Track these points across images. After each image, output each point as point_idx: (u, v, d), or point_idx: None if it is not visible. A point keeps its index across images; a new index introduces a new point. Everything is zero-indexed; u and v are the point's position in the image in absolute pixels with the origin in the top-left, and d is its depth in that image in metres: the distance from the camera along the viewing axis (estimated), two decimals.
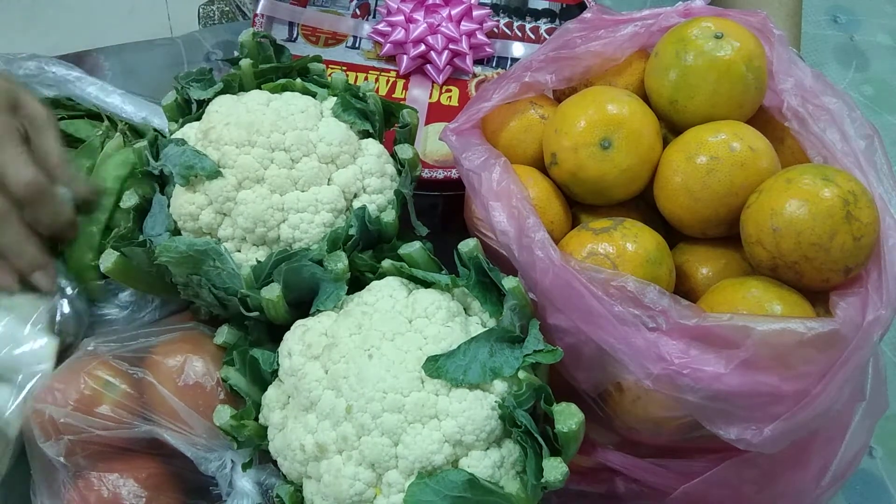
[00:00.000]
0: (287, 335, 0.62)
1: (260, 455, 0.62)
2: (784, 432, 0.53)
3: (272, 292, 0.61)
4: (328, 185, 0.66)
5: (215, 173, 0.63)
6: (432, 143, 0.86)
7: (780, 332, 0.51)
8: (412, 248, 0.62)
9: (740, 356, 0.52)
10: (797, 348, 0.51)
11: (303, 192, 0.65)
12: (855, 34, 1.15)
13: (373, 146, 0.69)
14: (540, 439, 0.53)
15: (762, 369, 0.52)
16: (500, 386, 0.56)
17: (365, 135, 0.71)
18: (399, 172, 0.71)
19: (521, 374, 0.56)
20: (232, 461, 0.62)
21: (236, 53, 0.75)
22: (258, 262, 0.63)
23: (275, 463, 0.61)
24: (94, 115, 0.85)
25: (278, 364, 0.62)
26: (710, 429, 0.54)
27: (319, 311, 0.62)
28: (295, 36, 0.93)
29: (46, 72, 0.82)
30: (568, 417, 0.53)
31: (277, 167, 0.64)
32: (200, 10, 1.21)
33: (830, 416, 0.54)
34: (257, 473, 0.62)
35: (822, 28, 1.07)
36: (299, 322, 0.62)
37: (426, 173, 0.82)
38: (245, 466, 0.61)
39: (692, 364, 0.53)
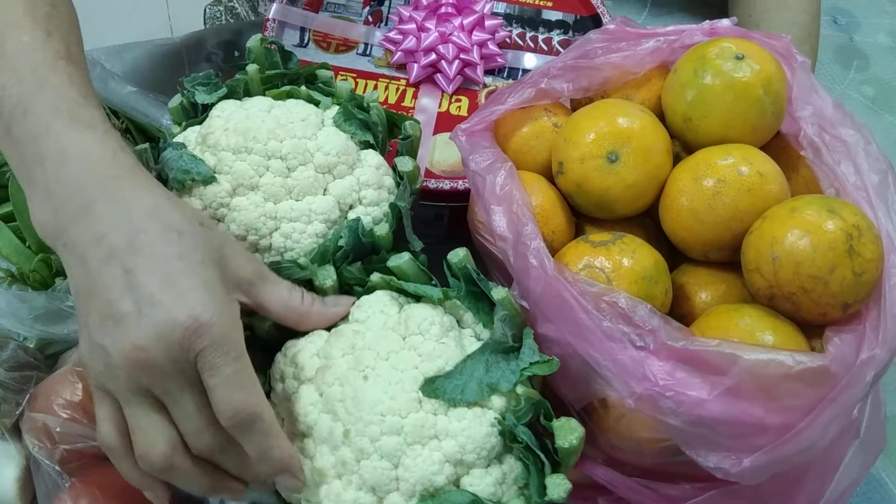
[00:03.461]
0: (277, 357, 0.61)
1: None
2: (764, 465, 0.52)
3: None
4: (323, 195, 0.65)
5: (210, 179, 0.63)
6: (440, 152, 0.86)
7: (766, 363, 0.50)
8: (401, 261, 0.60)
9: (725, 383, 0.51)
10: (783, 381, 0.50)
11: (297, 201, 0.64)
12: (855, 35, 1.14)
13: (372, 157, 0.69)
14: (542, 456, 0.53)
15: (746, 399, 0.51)
16: (498, 401, 0.55)
17: (366, 146, 0.70)
18: (398, 185, 0.70)
19: (520, 389, 0.55)
20: None
21: (237, 54, 0.75)
22: None
23: None
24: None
25: (270, 387, 0.61)
26: (689, 454, 0.53)
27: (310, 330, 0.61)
28: (306, 41, 0.93)
29: None
30: (568, 433, 0.53)
31: (273, 175, 0.64)
32: (207, 9, 1.21)
33: (816, 452, 0.53)
34: (251, 493, 0.61)
35: (822, 28, 1.06)
36: (289, 343, 0.61)
37: (432, 184, 0.81)
38: None
39: (676, 387, 0.52)
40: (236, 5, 1.18)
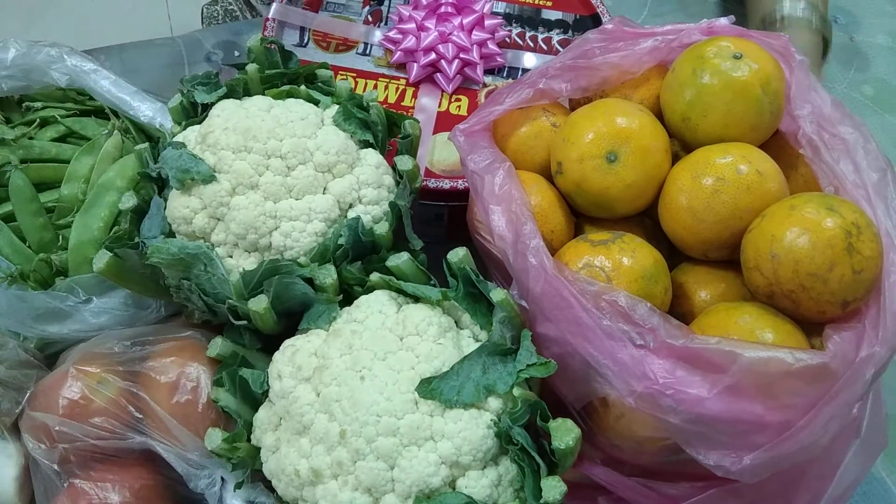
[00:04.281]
0: (276, 356, 0.61)
1: (251, 472, 0.62)
2: (764, 463, 0.52)
3: (259, 304, 0.60)
4: (323, 194, 0.66)
5: (210, 178, 0.63)
6: (440, 152, 0.86)
7: (766, 361, 0.50)
8: (400, 260, 0.61)
9: (725, 381, 0.51)
10: (783, 379, 0.50)
11: (297, 200, 0.64)
12: (855, 34, 1.16)
13: (372, 156, 0.69)
14: (537, 458, 0.53)
15: (746, 397, 0.51)
16: (494, 403, 0.55)
17: (365, 145, 0.70)
18: (397, 184, 0.70)
19: (516, 391, 0.55)
20: (222, 479, 0.62)
21: (237, 54, 0.75)
22: (243, 270, 0.62)
23: (264, 481, 0.60)
24: (102, 114, 0.86)
25: (268, 384, 0.61)
26: (689, 452, 0.53)
27: (309, 329, 0.62)
28: (306, 41, 0.93)
29: (65, 60, 0.83)
30: (564, 434, 0.53)
31: (272, 174, 0.64)
32: (204, 9, 1.20)
33: (816, 451, 0.53)
34: (248, 492, 0.61)
35: None
36: (288, 342, 0.61)
37: (432, 183, 0.81)
38: (237, 486, 0.61)
39: (676, 385, 0.52)
40: (233, 5, 1.18)
